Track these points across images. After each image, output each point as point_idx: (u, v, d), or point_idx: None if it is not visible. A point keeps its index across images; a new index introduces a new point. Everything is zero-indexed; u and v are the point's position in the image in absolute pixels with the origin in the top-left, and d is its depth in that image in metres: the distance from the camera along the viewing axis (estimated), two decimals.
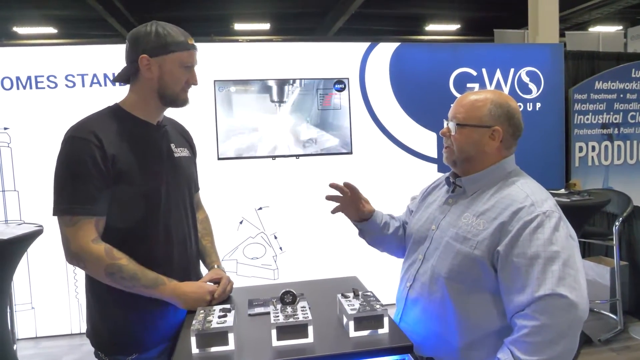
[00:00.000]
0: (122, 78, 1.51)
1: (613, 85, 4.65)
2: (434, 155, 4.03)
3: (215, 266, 1.67)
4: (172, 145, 1.57)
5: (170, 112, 1.66)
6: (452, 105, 1.45)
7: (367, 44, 3.96)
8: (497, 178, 1.39)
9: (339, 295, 1.40)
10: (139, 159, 1.43)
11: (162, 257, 1.47)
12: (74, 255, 1.37)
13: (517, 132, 1.41)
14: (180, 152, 1.59)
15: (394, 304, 1.57)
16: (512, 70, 4.19)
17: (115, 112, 1.48)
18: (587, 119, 4.61)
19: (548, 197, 1.33)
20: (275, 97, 3.76)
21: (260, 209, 3.82)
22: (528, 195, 1.30)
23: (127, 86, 1.53)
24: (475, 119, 1.38)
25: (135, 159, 1.42)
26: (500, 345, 1.25)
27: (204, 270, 1.70)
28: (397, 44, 4.02)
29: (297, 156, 3.81)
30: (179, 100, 1.51)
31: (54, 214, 1.38)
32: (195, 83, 1.52)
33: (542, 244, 1.22)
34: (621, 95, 4.69)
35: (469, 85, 4.08)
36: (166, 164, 1.51)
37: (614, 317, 3.42)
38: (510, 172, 1.41)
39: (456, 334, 1.34)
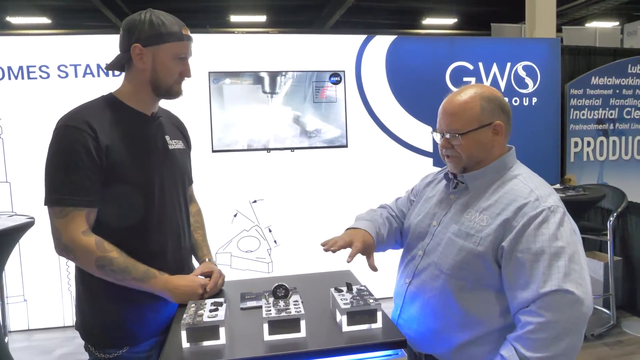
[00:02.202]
0: (114, 67, 1.48)
1: (609, 81, 4.65)
2: (430, 149, 4.02)
3: (207, 259, 1.66)
4: (167, 137, 1.54)
5: (164, 103, 1.63)
6: (440, 115, 1.40)
7: (363, 37, 3.93)
8: (500, 173, 1.37)
9: (332, 290, 1.39)
10: (132, 150, 1.41)
11: (156, 251, 1.45)
12: (64, 247, 1.35)
13: (509, 119, 1.39)
14: (175, 145, 1.57)
15: (388, 298, 1.56)
16: (508, 64, 4.17)
17: (109, 102, 1.45)
18: (583, 114, 4.60)
19: (552, 192, 1.31)
20: (267, 89, 3.73)
21: (255, 202, 3.80)
22: (532, 190, 1.28)
23: (121, 76, 1.50)
24: (474, 121, 1.34)
25: (129, 151, 1.40)
26: (502, 342, 1.24)
27: (195, 264, 1.68)
28: (394, 37, 3.99)
29: (292, 149, 3.79)
30: (172, 92, 1.47)
31: (45, 204, 1.35)
32: (188, 75, 1.49)
33: (547, 240, 1.21)
34: (617, 91, 4.69)
35: (465, 79, 4.07)
36: (160, 156, 1.49)
37: (607, 312, 3.43)
38: (512, 166, 1.38)
39: (457, 330, 1.32)
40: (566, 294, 1.16)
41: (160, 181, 1.46)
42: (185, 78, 1.49)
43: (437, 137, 1.42)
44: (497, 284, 1.28)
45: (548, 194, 1.29)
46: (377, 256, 1.50)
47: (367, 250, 1.48)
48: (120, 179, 1.37)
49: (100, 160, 1.34)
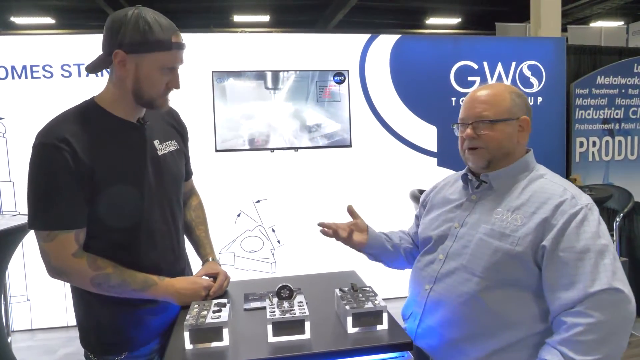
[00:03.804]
0: (95, 69, 1.35)
1: (615, 80, 4.62)
2: (434, 149, 3.99)
3: (210, 259, 1.61)
4: (156, 142, 1.43)
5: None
6: (467, 105, 1.38)
7: (367, 36, 3.91)
8: (524, 172, 1.36)
9: (337, 290, 1.37)
10: (117, 164, 1.32)
11: (148, 267, 1.38)
12: (56, 270, 1.30)
13: (531, 119, 1.40)
14: (166, 148, 1.46)
15: (394, 299, 1.54)
16: (513, 63, 4.15)
17: (89, 110, 1.33)
18: (589, 114, 4.58)
19: (581, 191, 1.30)
20: (270, 85, 3.72)
21: (258, 201, 3.79)
22: (566, 189, 1.27)
23: None
24: (505, 112, 1.34)
25: (113, 165, 1.31)
26: (539, 348, 1.19)
27: (195, 261, 1.65)
28: (398, 36, 3.98)
29: (296, 149, 3.78)
30: (156, 105, 1.35)
31: (29, 228, 1.29)
32: (176, 87, 1.36)
33: (590, 237, 1.18)
34: (623, 91, 4.66)
35: (470, 78, 4.05)
36: (148, 167, 1.38)
37: None
38: (534, 167, 1.39)
39: (491, 336, 1.26)
40: (616, 293, 1.13)
41: (148, 194, 1.38)
42: (173, 90, 1.37)
43: (458, 130, 1.39)
44: (535, 285, 1.24)
45: (579, 192, 1.28)
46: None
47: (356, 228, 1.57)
48: (105, 196, 1.29)
49: (83, 179, 1.25)
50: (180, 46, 1.32)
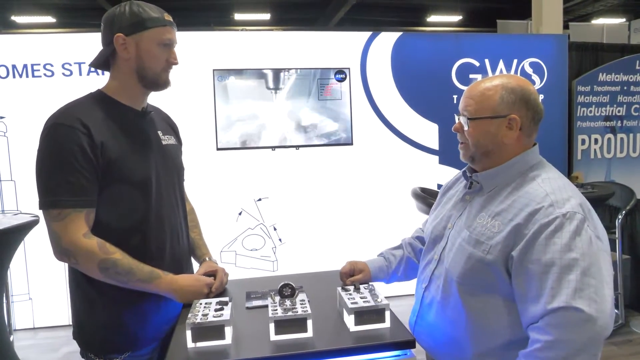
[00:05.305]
0: (98, 62, 1.43)
1: (617, 78, 4.59)
2: (436, 147, 3.98)
3: (207, 259, 1.63)
4: (159, 133, 1.50)
5: (162, 100, 1.61)
6: (462, 97, 1.34)
7: (368, 34, 3.90)
8: (518, 173, 1.26)
9: (339, 289, 1.37)
10: (127, 146, 1.36)
11: (155, 250, 1.41)
12: (65, 251, 1.30)
13: (536, 115, 1.27)
14: (168, 140, 1.53)
15: (396, 297, 1.54)
16: (515, 61, 4.14)
17: (98, 98, 1.40)
18: (590, 112, 4.56)
19: (571, 196, 1.18)
20: (271, 85, 3.71)
21: (260, 200, 3.79)
22: (548, 194, 1.17)
23: None
24: (488, 109, 1.25)
25: (124, 147, 1.35)
26: (516, 357, 1.15)
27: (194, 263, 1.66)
28: (399, 33, 3.96)
29: (297, 147, 3.77)
30: (160, 82, 1.42)
31: (40, 208, 1.30)
32: (175, 62, 1.44)
33: (558, 250, 1.10)
34: (625, 88, 4.64)
35: (471, 76, 4.03)
36: (155, 152, 1.44)
37: (616, 310, 3.38)
38: (533, 165, 1.27)
39: (470, 341, 1.24)
40: (575, 312, 1.06)
41: (156, 177, 1.42)
42: (173, 66, 1.44)
43: (456, 120, 1.36)
44: (510, 294, 1.19)
45: (566, 198, 1.17)
46: None
47: (357, 272, 1.55)
48: (117, 177, 1.33)
49: (96, 158, 1.29)
50: (172, 24, 1.42)
